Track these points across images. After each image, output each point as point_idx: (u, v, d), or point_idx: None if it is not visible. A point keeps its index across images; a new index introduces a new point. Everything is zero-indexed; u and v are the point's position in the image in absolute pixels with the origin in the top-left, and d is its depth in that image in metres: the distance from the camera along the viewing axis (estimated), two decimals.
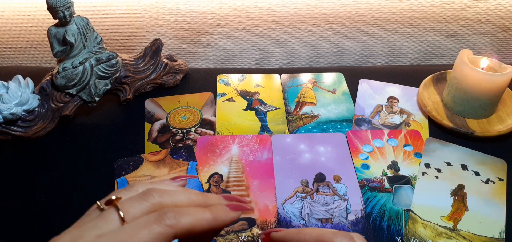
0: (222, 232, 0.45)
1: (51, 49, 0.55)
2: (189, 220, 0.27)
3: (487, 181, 0.50)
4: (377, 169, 0.52)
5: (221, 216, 0.29)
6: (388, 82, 0.66)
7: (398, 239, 0.44)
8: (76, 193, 0.50)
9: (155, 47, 0.63)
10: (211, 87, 0.66)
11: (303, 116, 0.60)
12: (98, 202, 0.28)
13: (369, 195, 0.49)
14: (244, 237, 0.44)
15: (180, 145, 0.56)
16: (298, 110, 0.62)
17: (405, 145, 0.55)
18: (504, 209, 0.47)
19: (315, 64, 0.83)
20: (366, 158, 0.53)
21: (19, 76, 0.54)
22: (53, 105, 0.57)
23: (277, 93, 0.65)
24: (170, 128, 0.58)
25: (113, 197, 0.27)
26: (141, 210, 0.27)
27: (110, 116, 0.61)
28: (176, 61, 0.67)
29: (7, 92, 0.52)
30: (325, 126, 0.58)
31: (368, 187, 0.50)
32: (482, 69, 0.56)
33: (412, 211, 0.47)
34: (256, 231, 0.45)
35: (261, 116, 0.61)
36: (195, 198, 0.30)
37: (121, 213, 0.26)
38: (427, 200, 0.48)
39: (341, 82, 0.67)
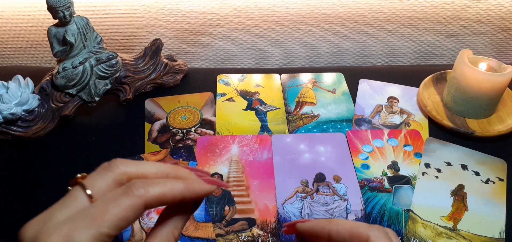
0: (222, 232, 0.45)
1: (51, 49, 0.55)
2: (158, 190, 0.26)
3: (487, 181, 0.50)
4: (377, 169, 0.52)
5: (194, 186, 0.28)
6: (388, 82, 0.66)
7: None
8: None
9: (155, 47, 0.63)
10: (211, 87, 0.66)
11: (303, 116, 0.60)
12: (70, 180, 0.27)
13: (369, 195, 0.49)
14: (244, 237, 0.44)
15: (180, 145, 0.56)
16: (298, 110, 0.62)
17: (405, 145, 0.55)
18: (504, 209, 0.47)
19: (315, 64, 0.83)
20: (366, 158, 0.53)
21: (19, 76, 0.54)
22: (53, 105, 0.57)
23: (277, 93, 0.65)
24: (170, 128, 0.58)
25: (78, 175, 0.27)
26: (107, 182, 0.27)
27: (110, 116, 0.61)
28: (176, 61, 0.67)
29: (7, 92, 0.52)
30: (325, 126, 0.58)
31: (368, 187, 0.50)
32: (482, 69, 0.56)
33: (412, 211, 0.47)
34: (256, 231, 0.45)
35: (261, 116, 0.61)
36: (164, 168, 0.29)
37: (88, 191, 0.26)
38: (427, 200, 0.48)
39: (341, 82, 0.67)
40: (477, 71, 0.54)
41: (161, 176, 0.29)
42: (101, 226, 0.24)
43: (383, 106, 0.62)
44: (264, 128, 0.58)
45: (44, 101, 0.56)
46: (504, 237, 0.44)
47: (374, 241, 0.28)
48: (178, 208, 0.29)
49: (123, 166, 0.28)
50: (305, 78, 0.68)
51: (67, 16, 0.53)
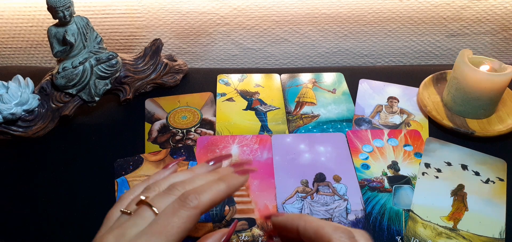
0: None
1: (51, 49, 0.55)
2: (208, 196, 0.30)
3: (487, 181, 0.50)
4: (377, 169, 0.52)
5: (233, 182, 0.33)
6: (388, 82, 0.66)
7: (398, 239, 0.44)
8: (76, 193, 0.50)
9: (155, 47, 0.63)
10: (211, 87, 0.66)
11: (303, 116, 0.60)
12: (121, 209, 0.31)
13: (369, 195, 0.49)
14: (244, 237, 0.44)
15: (180, 145, 0.56)
16: (298, 110, 0.62)
17: (405, 145, 0.55)
18: (504, 209, 0.47)
19: (315, 64, 0.83)
20: (366, 158, 0.53)
21: (19, 76, 0.54)
22: (53, 105, 0.57)
23: (277, 93, 0.65)
24: (170, 128, 0.58)
25: (142, 197, 0.31)
26: (171, 201, 0.30)
27: (110, 116, 0.61)
28: (176, 61, 0.67)
29: (7, 92, 0.52)
30: (325, 126, 0.58)
31: (368, 187, 0.50)
32: (482, 69, 0.56)
33: (412, 211, 0.47)
34: (256, 231, 0.45)
35: (261, 116, 0.61)
36: (210, 178, 0.33)
37: (154, 209, 0.29)
38: (427, 200, 0.48)
39: (341, 82, 0.67)
40: (477, 71, 0.54)
41: (219, 201, 0.32)
42: (169, 238, 0.28)
43: (383, 106, 0.62)
44: (264, 128, 0.58)
45: (44, 101, 0.56)
46: (504, 237, 0.44)
47: None
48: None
49: (182, 188, 0.32)
50: (305, 78, 0.68)
51: (67, 16, 0.53)
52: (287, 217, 0.33)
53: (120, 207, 0.32)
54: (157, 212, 0.29)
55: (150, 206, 0.30)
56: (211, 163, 0.38)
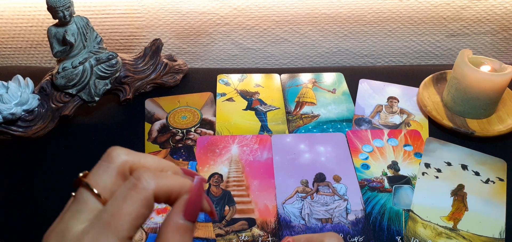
0: (222, 232, 0.45)
1: (51, 49, 0.55)
2: (167, 182, 0.25)
3: (487, 181, 0.50)
4: (377, 169, 0.52)
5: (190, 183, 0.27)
6: (388, 82, 0.66)
7: (398, 239, 0.44)
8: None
9: (155, 47, 0.63)
10: (211, 87, 0.66)
11: (303, 116, 0.60)
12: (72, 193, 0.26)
13: (369, 195, 0.49)
14: (244, 237, 0.44)
15: (180, 145, 0.56)
16: (298, 110, 0.62)
17: (405, 145, 0.55)
18: (504, 209, 0.47)
19: (315, 64, 0.83)
20: (366, 158, 0.53)
21: (19, 76, 0.54)
22: (53, 105, 0.57)
23: (277, 93, 0.65)
24: (170, 128, 0.58)
25: (80, 174, 0.26)
26: (111, 176, 0.26)
27: (110, 116, 0.61)
28: (176, 61, 0.67)
29: (7, 92, 0.52)
30: (325, 126, 0.58)
31: (368, 187, 0.50)
32: (482, 69, 0.56)
33: (412, 211, 0.47)
34: (256, 231, 0.45)
35: (261, 116, 0.61)
36: (164, 163, 0.28)
37: (94, 190, 0.25)
38: (427, 200, 0.48)
39: (341, 82, 0.67)
40: (477, 71, 0.54)
41: (161, 169, 0.28)
42: (120, 231, 0.23)
43: (383, 106, 0.62)
44: (264, 128, 0.58)
45: (44, 101, 0.56)
46: (504, 237, 0.44)
47: None
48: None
49: (123, 155, 0.27)
50: (305, 78, 0.68)
51: (67, 16, 0.53)
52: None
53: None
54: (97, 193, 0.25)
55: (87, 184, 0.25)
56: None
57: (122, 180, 0.26)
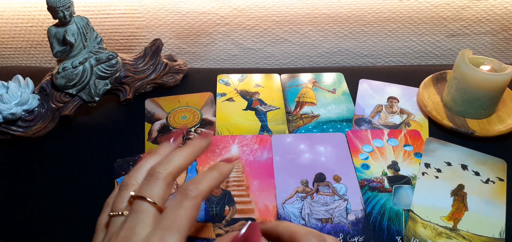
0: (222, 232, 0.45)
1: (51, 49, 0.55)
2: (206, 184, 0.32)
3: (487, 181, 0.50)
4: (377, 169, 0.52)
5: (224, 170, 0.35)
6: (388, 82, 0.66)
7: (398, 239, 0.44)
8: (76, 193, 0.50)
9: (155, 47, 0.63)
10: (211, 87, 0.66)
11: (303, 116, 0.60)
12: (110, 213, 0.31)
13: (369, 195, 0.49)
14: None
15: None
16: (298, 110, 0.62)
17: (405, 145, 0.55)
18: (504, 209, 0.47)
19: (315, 64, 0.83)
20: (366, 158, 0.53)
21: (19, 76, 0.54)
22: (53, 105, 0.57)
23: (277, 93, 0.65)
24: (170, 128, 0.58)
25: (132, 193, 0.31)
26: (161, 188, 0.31)
27: (110, 116, 0.61)
28: (176, 61, 0.67)
29: (7, 92, 0.52)
30: (325, 126, 0.58)
31: (368, 187, 0.50)
32: (482, 69, 0.56)
33: (412, 211, 0.47)
34: None
35: (261, 116, 0.61)
36: (186, 152, 0.35)
37: (148, 199, 0.30)
38: (427, 200, 0.48)
39: (341, 82, 0.67)
40: (477, 71, 0.54)
41: (189, 160, 0.34)
42: (181, 230, 0.28)
43: (383, 106, 0.62)
44: (264, 128, 0.58)
45: (44, 101, 0.56)
46: (504, 237, 0.44)
47: None
48: None
49: (163, 170, 0.32)
50: (305, 78, 0.68)
51: (67, 16, 0.53)
52: (271, 224, 0.33)
53: (108, 212, 0.31)
54: (151, 201, 0.30)
55: (143, 198, 0.30)
56: (171, 140, 0.38)
57: (169, 188, 0.32)
